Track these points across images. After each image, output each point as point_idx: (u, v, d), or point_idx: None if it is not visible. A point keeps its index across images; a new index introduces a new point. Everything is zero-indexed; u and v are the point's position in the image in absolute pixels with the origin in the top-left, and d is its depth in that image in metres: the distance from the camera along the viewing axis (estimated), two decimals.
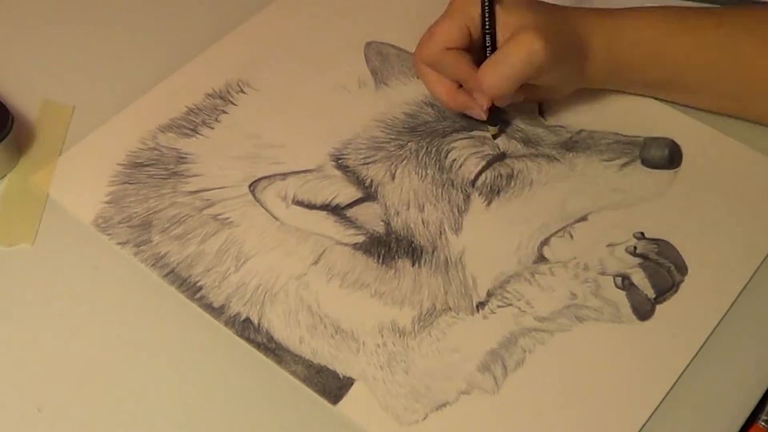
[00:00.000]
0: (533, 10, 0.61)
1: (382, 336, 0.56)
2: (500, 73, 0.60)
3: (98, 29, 0.73)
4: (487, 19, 0.61)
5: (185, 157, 0.65)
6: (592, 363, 0.56)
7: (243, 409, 0.54)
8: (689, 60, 0.63)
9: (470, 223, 0.61)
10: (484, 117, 0.63)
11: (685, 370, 0.55)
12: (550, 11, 0.62)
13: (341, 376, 0.55)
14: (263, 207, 0.62)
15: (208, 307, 0.57)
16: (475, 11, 0.61)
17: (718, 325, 0.57)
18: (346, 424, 0.53)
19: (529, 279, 0.59)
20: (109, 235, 0.60)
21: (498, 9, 0.61)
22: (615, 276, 0.59)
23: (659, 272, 0.59)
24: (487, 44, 0.62)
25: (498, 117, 0.64)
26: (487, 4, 0.60)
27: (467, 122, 0.66)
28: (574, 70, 0.63)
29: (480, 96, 0.62)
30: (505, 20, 0.61)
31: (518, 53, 0.59)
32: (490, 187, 0.63)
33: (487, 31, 0.61)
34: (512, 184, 0.63)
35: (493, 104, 0.62)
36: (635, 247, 0.60)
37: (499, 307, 0.57)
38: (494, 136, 0.64)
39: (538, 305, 0.58)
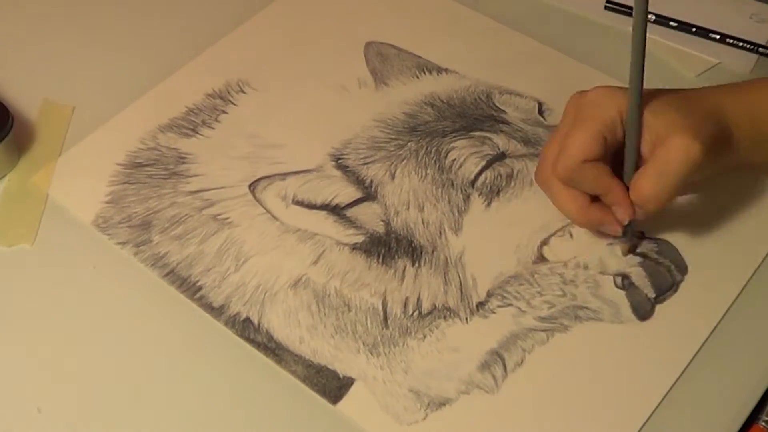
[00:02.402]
0: (678, 108, 0.56)
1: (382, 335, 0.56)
2: (664, 184, 0.55)
3: (98, 29, 0.74)
4: (634, 126, 0.55)
5: (185, 157, 0.65)
6: (592, 363, 0.56)
7: (243, 408, 0.54)
8: None
9: (470, 223, 0.61)
10: (620, 233, 0.58)
11: (684, 370, 0.55)
12: (692, 105, 0.57)
13: (341, 375, 0.55)
14: (263, 207, 0.62)
15: (208, 307, 0.57)
16: (610, 117, 0.55)
17: (718, 325, 0.57)
18: (345, 424, 0.53)
19: (528, 279, 0.59)
20: (108, 235, 0.60)
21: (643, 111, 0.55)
22: (615, 275, 0.59)
23: (659, 272, 0.59)
24: (630, 151, 0.56)
25: (632, 231, 0.58)
26: (636, 107, 0.54)
27: (467, 122, 0.66)
28: (723, 158, 0.58)
29: (622, 210, 0.56)
30: (649, 123, 0.55)
31: (678, 160, 0.54)
32: (490, 187, 0.63)
33: (632, 138, 0.55)
34: (512, 184, 0.63)
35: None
36: (635, 247, 0.60)
37: (498, 307, 0.57)
38: (625, 253, 0.59)
39: (538, 305, 0.58)
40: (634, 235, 0.59)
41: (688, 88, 0.59)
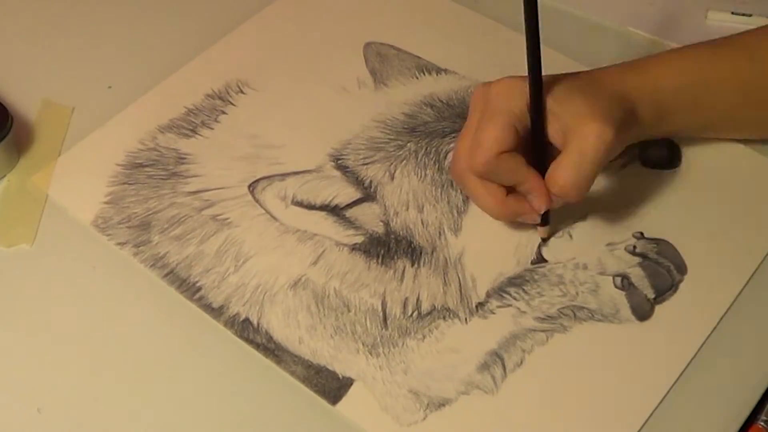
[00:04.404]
0: (582, 93, 0.56)
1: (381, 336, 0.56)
2: (583, 173, 0.55)
3: (98, 30, 0.74)
4: (536, 114, 0.56)
5: (184, 158, 0.65)
6: (592, 363, 0.55)
7: (242, 409, 0.54)
8: (728, 100, 0.61)
9: (469, 224, 0.61)
10: (538, 221, 0.59)
11: (684, 370, 0.55)
12: (595, 88, 0.57)
13: (340, 376, 0.55)
14: (262, 207, 0.62)
15: (208, 308, 0.57)
16: (517, 107, 0.56)
17: (717, 325, 0.57)
18: (345, 424, 0.53)
19: (528, 279, 0.59)
20: (108, 235, 0.60)
21: (547, 99, 0.56)
22: (614, 276, 0.59)
23: (659, 272, 0.59)
24: (539, 142, 0.56)
25: (548, 216, 0.59)
26: (533, 97, 0.55)
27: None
28: (630, 134, 0.59)
29: (538, 199, 0.57)
30: (555, 111, 0.56)
31: (594, 147, 0.55)
32: None
33: (538, 128, 0.56)
34: None
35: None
36: (635, 247, 0.60)
37: (498, 307, 0.57)
38: (544, 240, 0.60)
39: (537, 306, 0.58)
40: (549, 220, 0.59)
41: (588, 69, 0.60)
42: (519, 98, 0.56)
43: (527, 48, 0.54)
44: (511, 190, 0.58)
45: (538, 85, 0.55)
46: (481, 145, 0.56)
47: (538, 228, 0.60)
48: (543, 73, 0.55)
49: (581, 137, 0.55)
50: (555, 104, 0.56)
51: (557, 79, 0.57)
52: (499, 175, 0.57)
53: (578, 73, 0.59)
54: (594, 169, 0.55)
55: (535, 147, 0.57)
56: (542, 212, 0.58)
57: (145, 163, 0.64)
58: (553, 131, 0.56)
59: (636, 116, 0.59)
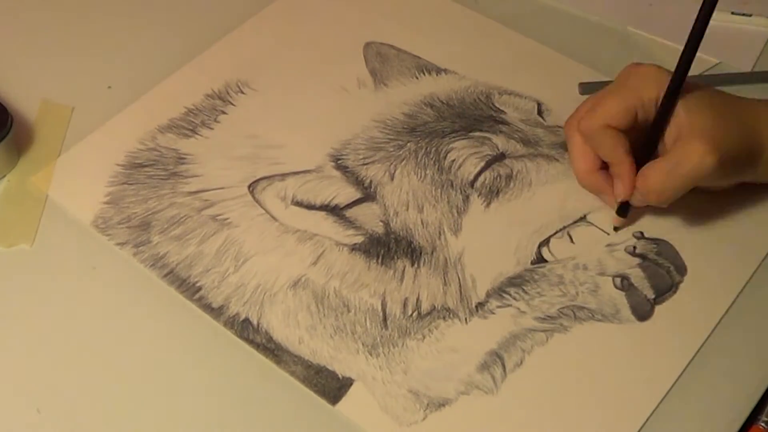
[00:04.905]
0: (712, 110, 0.57)
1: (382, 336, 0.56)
2: (670, 182, 0.56)
3: (98, 30, 0.74)
4: (662, 114, 0.57)
5: (184, 158, 0.65)
6: (591, 363, 0.55)
7: (242, 409, 0.54)
8: None
9: (469, 224, 0.61)
10: (614, 206, 0.60)
11: (684, 370, 0.55)
12: (727, 112, 0.58)
13: (340, 376, 0.55)
14: (262, 207, 0.62)
15: (208, 308, 0.57)
16: (648, 96, 0.57)
17: (717, 325, 0.57)
18: (345, 424, 0.53)
19: (528, 280, 0.59)
20: (108, 235, 0.60)
21: (679, 100, 0.57)
22: (614, 276, 0.59)
23: (658, 272, 0.59)
24: (653, 138, 0.58)
25: (627, 208, 0.60)
26: (669, 95, 0.56)
27: (466, 123, 0.66)
28: (744, 172, 0.59)
29: (621, 186, 0.58)
30: (678, 115, 0.57)
31: (691, 164, 0.55)
32: (489, 188, 0.63)
33: (659, 124, 0.57)
34: (511, 184, 0.63)
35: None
36: (634, 247, 0.60)
37: (498, 307, 0.57)
38: (616, 228, 0.61)
39: (537, 306, 0.58)
40: (627, 211, 0.60)
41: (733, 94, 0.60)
42: (654, 87, 0.57)
43: (685, 46, 0.56)
44: (608, 168, 0.59)
45: (679, 82, 0.56)
46: (596, 111, 0.58)
47: (613, 216, 0.61)
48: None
49: (685, 151, 0.56)
50: (683, 109, 0.57)
51: (698, 86, 0.58)
52: (598, 146, 0.58)
53: (720, 92, 0.60)
54: (683, 184, 0.56)
55: (648, 141, 0.58)
56: (620, 200, 0.59)
57: (145, 163, 0.64)
58: (669, 132, 0.57)
59: (760, 156, 0.58)
